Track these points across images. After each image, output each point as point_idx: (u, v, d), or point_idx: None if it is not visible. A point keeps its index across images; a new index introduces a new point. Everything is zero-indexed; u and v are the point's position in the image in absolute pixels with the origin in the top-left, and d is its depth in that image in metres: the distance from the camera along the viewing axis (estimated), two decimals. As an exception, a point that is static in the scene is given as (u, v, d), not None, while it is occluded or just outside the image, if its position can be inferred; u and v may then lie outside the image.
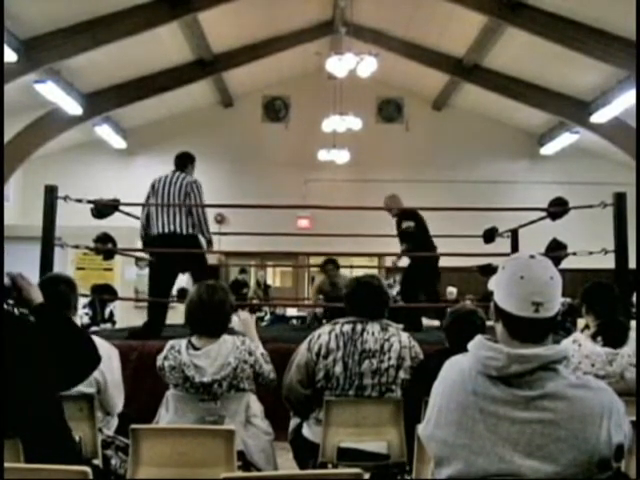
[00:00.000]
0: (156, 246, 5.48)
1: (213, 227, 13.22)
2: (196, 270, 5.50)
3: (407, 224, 6.64)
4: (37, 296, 2.09)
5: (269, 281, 13.60)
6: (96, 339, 2.97)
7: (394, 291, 10.09)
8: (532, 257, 1.64)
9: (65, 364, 2.02)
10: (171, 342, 2.96)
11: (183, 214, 5.45)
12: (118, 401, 3.01)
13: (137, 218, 6.29)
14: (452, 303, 9.66)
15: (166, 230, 5.39)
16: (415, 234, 6.65)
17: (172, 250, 5.38)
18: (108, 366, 2.91)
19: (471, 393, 1.55)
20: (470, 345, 1.63)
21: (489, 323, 2.27)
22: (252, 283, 12.28)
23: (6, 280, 2.07)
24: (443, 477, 1.56)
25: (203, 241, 5.64)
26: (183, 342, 2.92)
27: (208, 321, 2.93)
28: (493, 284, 1.66)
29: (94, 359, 2.13)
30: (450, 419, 1.56)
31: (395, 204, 6.91)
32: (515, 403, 1.51)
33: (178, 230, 5.39)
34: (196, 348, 2.89)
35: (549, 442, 1.47)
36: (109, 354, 2.96)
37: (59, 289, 2.85)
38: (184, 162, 5.77)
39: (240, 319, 3.35)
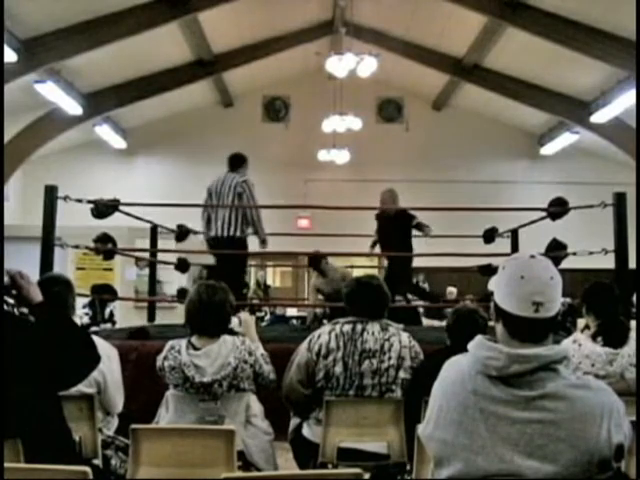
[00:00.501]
0: (212, 249, 5.69)
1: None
2: (229, 271, 5.57)
3: (416, 218, 6.71)
4: (36, 295, 2.08)
5: (269, 281, 13.60)
6: (96, 339, 2.96)
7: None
8: (532, 257, 1.64)
9: (65, 363, 2.01)
10: (171, 342, 2.96)
11: (233, 215, 5.57)
12: (118, 401, 3.01)
13: (137, 218, 6.30)
14: (452, 303, 9.67)
15: (212, 234, 5.60)
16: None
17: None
18: (108, 366, 2.91)
19: (471, 393, 1.55)
20: (470, 345, 1.63)
21: (490, 323, 2.27)
22: (252, 283, 12.28)
23: (5, 279, 2.05)
24: (443, 477, 1.56)
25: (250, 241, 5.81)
26: (183, 342, 2.92)
27: (208, 321, 2.93)
28: (493, 284, 1.66)
29: (94, 358, 2.12)
30: (450, 419, 1.56)
31: (393, 199, 6.92)
32: (515, 403, 1.51)
33: (225, 234, 5.55)
34: (196, 348, 2.89)
35: (549, 442, 1.47)
36: (108, 354, 2.96)
37: (55, 290, 2.85)
38: (236, 163, 5.86)
39: (240, 320, 3.35)
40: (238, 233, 5.57)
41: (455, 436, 1.54)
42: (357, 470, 1.77)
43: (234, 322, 3.25)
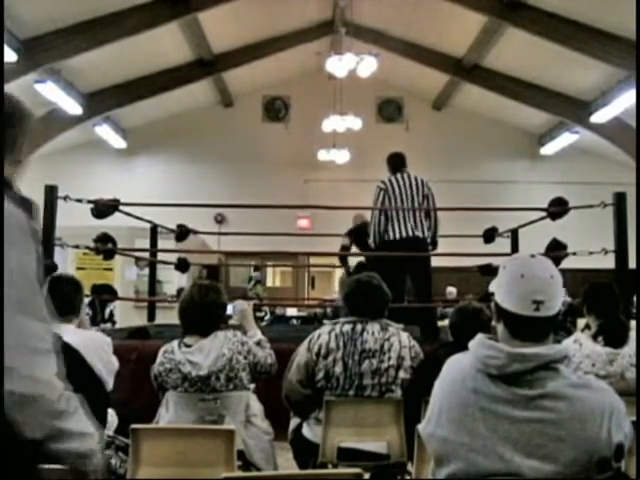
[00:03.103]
0: (394, 249, 5.34)
1: (212, 227, 13.16)
2: (420, 275, 5.45)
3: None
4: None
5: (268, 281, 13.64)
6: (91, 333, 3.02)
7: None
8: (532, 256, 1.65)
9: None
10: (163, 347, 2.97)
11: (423, 217, 5.46)
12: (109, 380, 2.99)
13: (137, 218, 6.29)
14: (452, 303, 9.67)
15: (411, 234, 5.35)
16: None
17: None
18: (100, 354, 2.91)
19: (471, 392, 1.55)
20: (471, 344, 1.63)
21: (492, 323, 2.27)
22: (252, 281, 12.30)
23: None
24: (443, 476, 1.56)
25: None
26: (174, 343, 2.94)
27: (199, 321, 2.93)
28: (494, 285, 1.67)
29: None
30: (450, 418, 1.57)
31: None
32: (515, 402, 1.51)
33: (420, 234, 5.40)
34: (188, 346, 2.90)
35: (549, 442, 1.47)
36: (102, 346, 2.96)
37: (63, 291, 2.88)
38: (404, 162, 5.74)
39: (236, 310, 3.33)
40: (427, 234, 5.48)
41: (455, 435, 1.54)
42: (357, 470, 1.77)
43: (229, 309, 3.23)
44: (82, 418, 1.36)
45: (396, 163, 5.75)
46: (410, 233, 5.37)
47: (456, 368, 1.64)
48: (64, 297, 2.87)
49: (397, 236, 5.38)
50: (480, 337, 1.62)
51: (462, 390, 1.57)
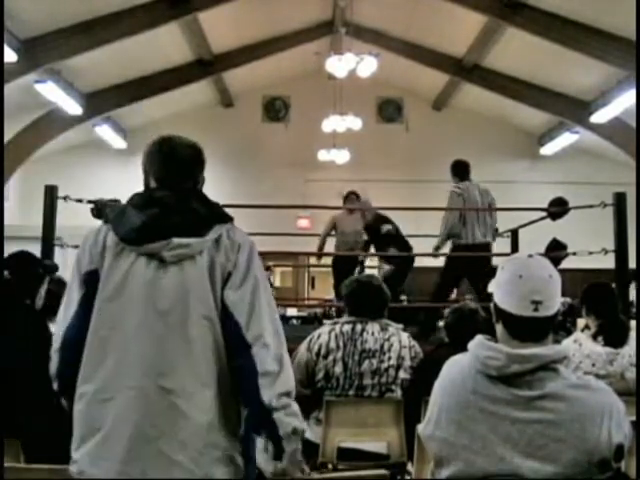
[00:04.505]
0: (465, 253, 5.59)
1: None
2: (480, 277, 5.57)
3: (387, 227, 6.71)
4: None
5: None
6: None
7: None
8: (530, 257, 1.65)
9: None
10: None
11: (491, 222, 5.73)
12: None
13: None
14: (451, 303, 9.66)
15: (482, 240, 5.58)
16: (397, 237, 6.74)
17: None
18: None
19: (471, 393, 1.55)
20: (470, 345, 1.63)
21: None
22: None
23: None
24: (443, 477, 1.56)
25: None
26: None
27: None
28: (493, 285, 1.67)
29: None
30: (450, 419, 1.56)
31: (369, 207, 6.97)
32: (515, 403, 1.51)
33: (490, 240, 5.67)
34: None
35: (549, 442, 1.47)
36: None
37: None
38: (469, 169, 6.00)
39: None
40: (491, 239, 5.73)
41: (455, 436, 1.54)
42: (383, 471, 1.76)
43: None
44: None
45: (464, 171, 6.00)
46: (481, 238, 5.61)
47: (455, 369, 1.64)
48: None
49: (470, 240, 5.61)
50: (479, 338, 1.62)
51: (462, 391, 1.57)
